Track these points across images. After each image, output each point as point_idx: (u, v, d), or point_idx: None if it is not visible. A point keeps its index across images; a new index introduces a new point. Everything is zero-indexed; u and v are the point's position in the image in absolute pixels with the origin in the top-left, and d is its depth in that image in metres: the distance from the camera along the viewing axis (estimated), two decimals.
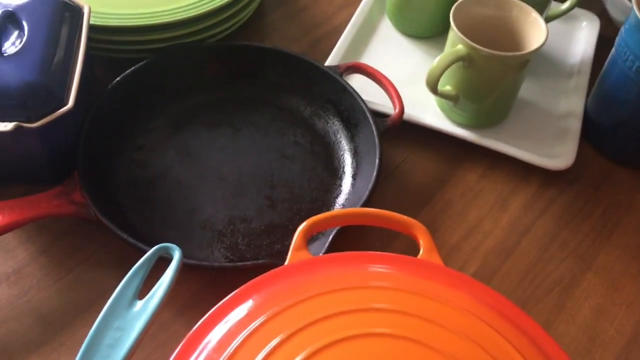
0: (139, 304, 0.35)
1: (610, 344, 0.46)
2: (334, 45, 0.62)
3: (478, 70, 0.53)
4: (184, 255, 0.48)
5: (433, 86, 0.53)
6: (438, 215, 0.53)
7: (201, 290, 0.47)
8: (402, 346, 0.30)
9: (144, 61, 0.56)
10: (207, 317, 0.34)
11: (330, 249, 0.45)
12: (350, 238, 0.49)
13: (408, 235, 0.38)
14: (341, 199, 0.52)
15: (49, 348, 0.43)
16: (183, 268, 0.47)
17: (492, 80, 0.54)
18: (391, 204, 0.53)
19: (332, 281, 0.34)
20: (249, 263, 0.45)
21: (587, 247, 0.52)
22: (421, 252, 0.36)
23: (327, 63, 0.60)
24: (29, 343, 0.43)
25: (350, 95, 0.55)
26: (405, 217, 0.37)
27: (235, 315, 0.34)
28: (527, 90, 0.61)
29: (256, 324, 0.32)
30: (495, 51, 0.51)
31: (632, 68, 0.51)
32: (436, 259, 0.36)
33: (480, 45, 0.51)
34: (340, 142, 0.56)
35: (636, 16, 0.49)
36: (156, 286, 0.35)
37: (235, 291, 0.35)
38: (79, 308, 0.45)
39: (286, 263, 0.36)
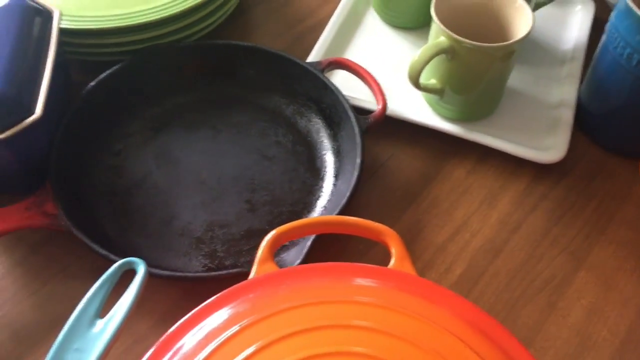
0: (100, 323, 0.34)
1: (603, 346, 0.44)
2: (317, 40, 0.60)
3: (462, 63, 0.51)
4: (160, 264, 0.47)
5: (415, 80, 0.51)
6: (424, 214, 0.51)
7: (180, 299, 0.46)
8: None
9: (120, 64, 0.54)
10: (178, 325, 0.33)
11: (309, 255, 0.44)
12: (332, 241, 0.47)
13: (381, 243, 0.36)
14: (323, 201, 0.51)
15: None
16: (158, 279, 0.46)
17: (478, 72, 0.52)
18: (376, 203, 0.52)
19: (299, 295, 0.32)
20: (224, 272, 0.44)
21: (580, 243, 0.50)
22: (392, 261, 0.35)
23: (309, 59, 0.59)
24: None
25: (332, 92, 0.53)
26: (374, 224, 0.35)
27: (207, 324, 0.33)
28: (518, 79, 0.58)
29: (229, 334, 0.32)
30: (479, 42, 0.49)
31: (623, 55, 0.48)
32: (409, 269, 0.34)
33: (465, 35, 0.49)
34: (323, 141, 0.54)
35: (626, 1, 0.47)
36: (117, 305, 0.34)
37: (209, 300, 0.34)
38: (54, 322, 0.44)
39: (251, 277, 0.34)
